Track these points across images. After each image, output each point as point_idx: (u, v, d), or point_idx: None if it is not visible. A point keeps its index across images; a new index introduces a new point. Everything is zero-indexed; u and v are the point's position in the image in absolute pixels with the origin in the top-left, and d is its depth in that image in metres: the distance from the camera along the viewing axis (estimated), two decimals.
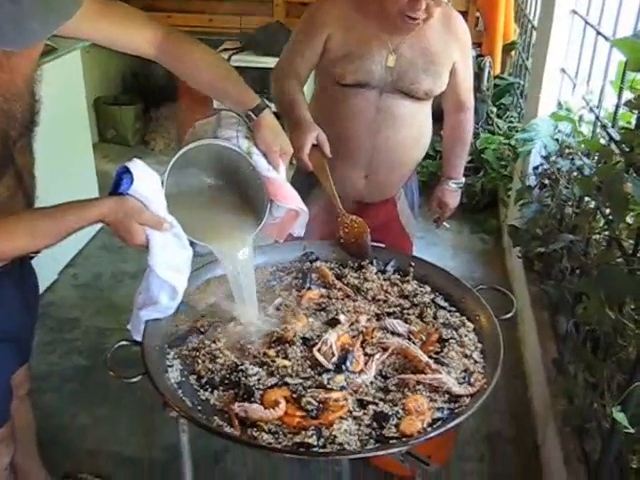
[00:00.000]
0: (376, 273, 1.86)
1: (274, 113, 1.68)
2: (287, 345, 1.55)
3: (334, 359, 1.50)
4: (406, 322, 1.66)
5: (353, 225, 1.89)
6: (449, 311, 1.72)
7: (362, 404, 1.39)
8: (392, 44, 1.99)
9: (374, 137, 2.05)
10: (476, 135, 4.47)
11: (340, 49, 2.00)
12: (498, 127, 4.48)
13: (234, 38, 4.90)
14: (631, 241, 1.81)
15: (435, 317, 1.69)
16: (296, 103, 1.98)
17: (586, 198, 2.39)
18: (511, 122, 4.46)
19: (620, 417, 1.54)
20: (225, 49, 4.76)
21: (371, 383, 1.46)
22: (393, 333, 1.61)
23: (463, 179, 2.38)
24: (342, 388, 1.42)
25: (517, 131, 3.61)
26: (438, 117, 2.31)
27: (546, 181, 2.88)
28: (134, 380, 1.47)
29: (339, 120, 2.06)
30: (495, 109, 4.62)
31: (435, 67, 2.03)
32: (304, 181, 2.10)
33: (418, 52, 2.00)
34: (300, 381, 1.44)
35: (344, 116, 2.05)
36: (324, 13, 2.04)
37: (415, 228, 2.40)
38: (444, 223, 2.47)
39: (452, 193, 2.36)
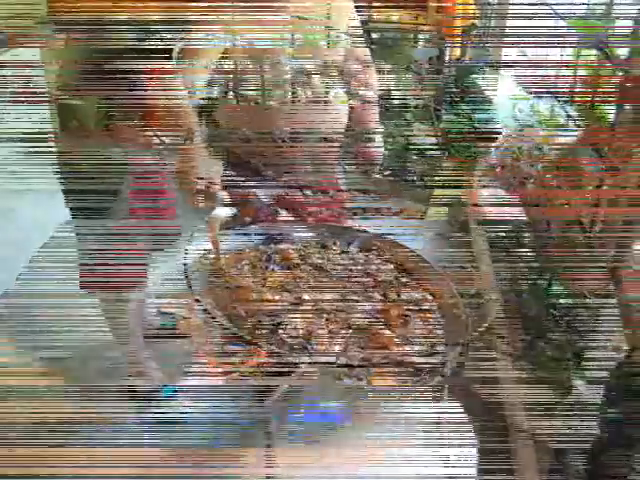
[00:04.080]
0: (340, 253, 1.88)
1: None
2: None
3: (298, 339, 1.51)
4: (370, 300, 1.68)
5: None
6: (412, 288, 1.74)
7: None
8: None
9: None
10: (439, 118, 4.48)
11: None
12: (461, 110, 4.50)
13: None
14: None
15: (398, 295, 1.71)
16: None
17: (547, 176, 2.41)
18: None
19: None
20: None
21: (336, 361, 1.48)
22: (357, 311, 1.63)
23: None
24: None
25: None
26: None
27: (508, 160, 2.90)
28: None
29: None
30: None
31: None
32: None
33: None
34: None
35: None
36: None
37: None
38: None
39: None
